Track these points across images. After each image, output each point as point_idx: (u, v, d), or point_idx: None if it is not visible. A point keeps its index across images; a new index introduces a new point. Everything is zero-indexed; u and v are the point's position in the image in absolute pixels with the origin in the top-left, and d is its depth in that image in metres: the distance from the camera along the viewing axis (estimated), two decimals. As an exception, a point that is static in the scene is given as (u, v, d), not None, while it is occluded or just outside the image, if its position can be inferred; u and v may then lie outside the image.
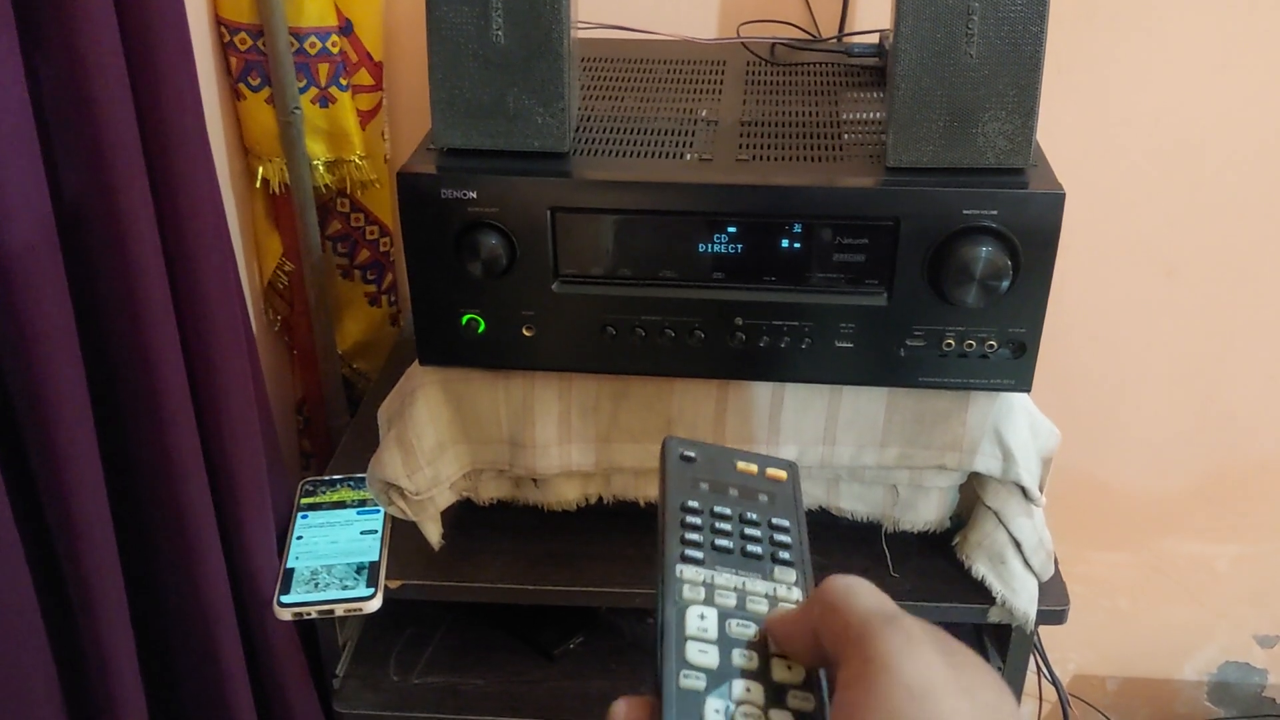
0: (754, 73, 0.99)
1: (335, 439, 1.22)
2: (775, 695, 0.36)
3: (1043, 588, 0.89)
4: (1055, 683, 1.25)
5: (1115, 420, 1.35)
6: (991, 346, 0.78)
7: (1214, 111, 1.16)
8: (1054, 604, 0.89)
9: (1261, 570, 1.44)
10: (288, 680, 0.94)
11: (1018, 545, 0.87)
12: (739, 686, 0.36)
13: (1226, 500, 1.40)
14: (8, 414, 0.71)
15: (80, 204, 0.73)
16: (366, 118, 1.14)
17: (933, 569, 0.92)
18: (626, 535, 0.95)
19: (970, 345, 0.79)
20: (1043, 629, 1.07)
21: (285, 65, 1.04)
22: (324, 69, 1.08)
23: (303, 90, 1.08)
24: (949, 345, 0.79)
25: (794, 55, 1.03)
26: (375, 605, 0.88)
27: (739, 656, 0.37)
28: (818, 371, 0.81)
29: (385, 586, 0.90)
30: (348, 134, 1.11)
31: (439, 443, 0.87)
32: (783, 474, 0.44)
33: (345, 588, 0.89)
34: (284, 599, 0.88)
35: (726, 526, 0.41)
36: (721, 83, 0.96)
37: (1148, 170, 1.20)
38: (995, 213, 0.74)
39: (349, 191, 1.16)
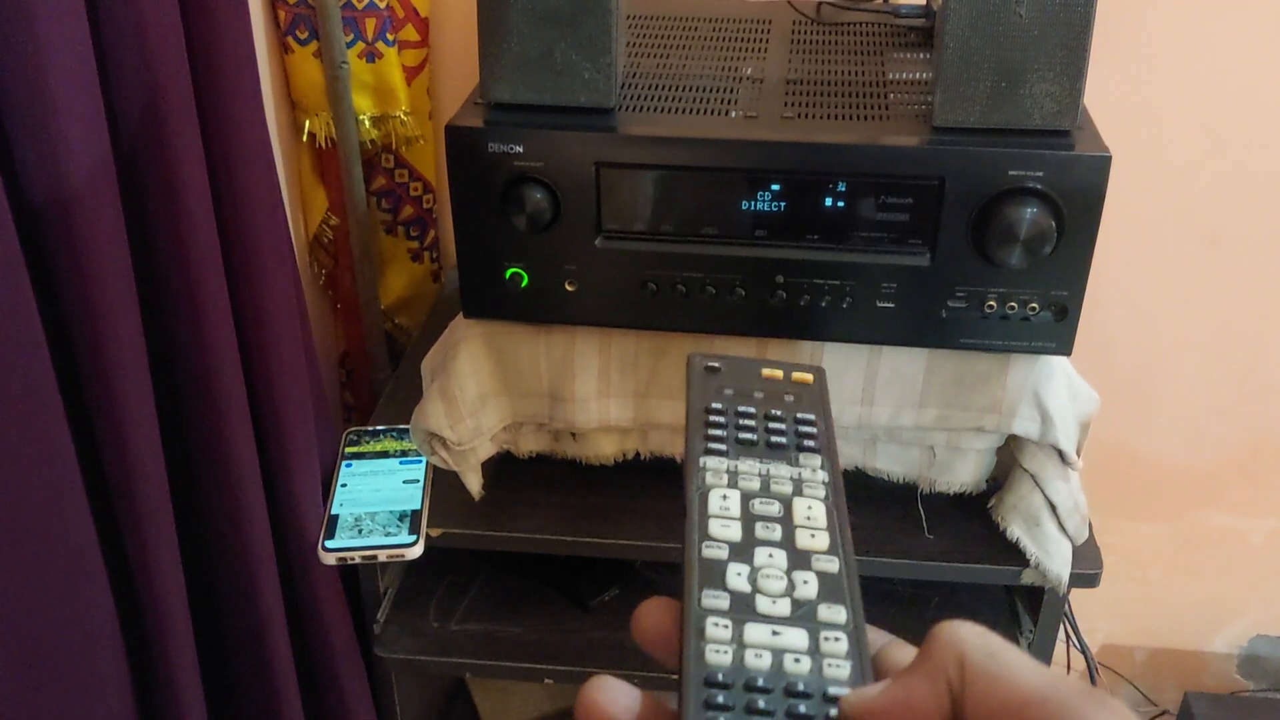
0: (799, 32, 0.98)
1: (377, 392, 1.24)
2: (798, 560, 0.36)
3: (1076, 552, 0.90)
4: (1084, 651, 1.25)
5: (1152, 391, 1.35)
6: (1033, 309, 0.79)
7: (1264, 80, 1.15)
8: (1087, 568, 0.90)
9: (1296, 544, 1.44)
10: (330, 624, 0.96)
11: (1053, 508, 0.87)
12: (761, 553, 0.36)
13: (1262, 474, 1.39)
14: (70, 359, 0.73)
15: (135, 151, 0.75)
16: (412, 74, 1.14)
17: (967, 531, 0.92)
18: (663, 490, 0.96)
19: (1012, 307, 0.79)
20: (1074, 599, 1.08)
21: (333, 19, 1.05)
22: (371, 24, 1.09)
23: (350, 45, 1.09)
24: (991, 307, 0.79)
25: (840, 15, 1.03)
26: (417, 552, 0.90)
27: (762, 530, 0.37)
28: (858, 331, 0.82)
29: (427, 534, 0.92)
30: (393, 89, 1.12)
31: (481, 394, 0.89)
32: (809, 377, 0.44)
33: (388, 534, 0.91)
34: (328, 544, 0.90)
35: (750, 423, 0.41)
36: (767, 41, 0.96)
37: (1194, 138, 1.18)
38: (1041, 174, 0.74)
39: (394, 147, 1.17)
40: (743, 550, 0.36)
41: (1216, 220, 1.23)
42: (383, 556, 0.91)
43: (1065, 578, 0.88)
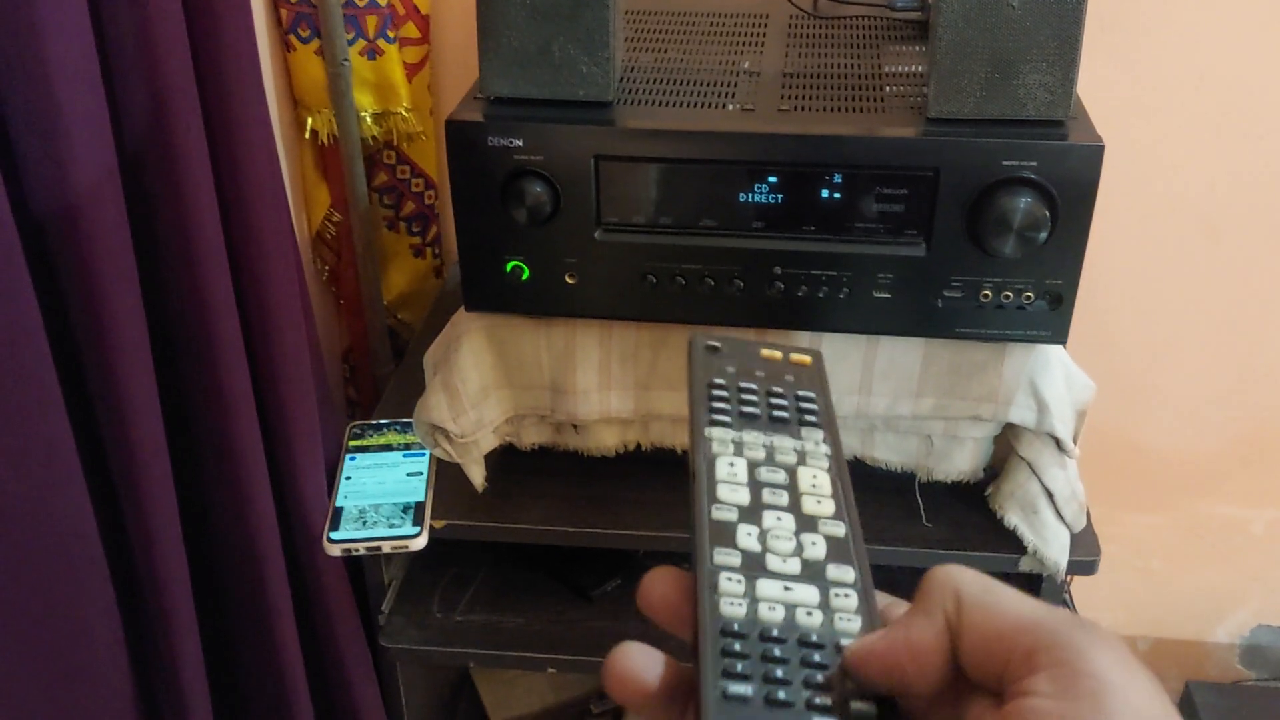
0: (796, 25, 0.99)
1: (380, 387, 1.25)
2: (805, 524, 0.37)
3: (1074, 539, 0.90)
4: (1085, 640, 1.26)
5: (1151, 381, 1.35)
6: (1028, 298, 0.79)
7: (1260, 69, 1.15)
8: (1085, 555, 0.90)
9: (1297, 533, 1.44)
10: (335, 615, 0.97)
11: (1050, 496, 0.88)
12: (770, 516, 0.37)
13: (1263, 463, 1.39)
14: (73, 353, 0.74)
15: (141, 150, 0.76)
16: (413, 71, 1.15)
17: (965, 519, 0.93)
18: (664, 481, 0.97)
19: (1007, 296, 0.79)
20: (1075, 590, 1.09)
21: (335, 17, 1.06)
22: (372, 21, 1.10)
23: (351, 42, 1.10)
24: (986, 296, 0.80)
25: (837, 9, 1.04)
26: (421, 543, 0.91)
27: (769, 495, 0.38)
28: (855, 321, 0.83)
29: (430, 526, 0.93)
30: (394, 86, 1.13)
31: (483, 387, 0.90)
32: (807, 358, 0.45)
33: (392, 526, 0.92)
34: (334, 535, 0.91)
35: (753, 398, 0.42)
36: (764, 35, 0.96)
37: (1191, 128, 1.19)
38: (1034, 164, 0.75)
39: (395, 144, 1.18)
40: (751, 513, 0.37)
41: (1215, 210, 1.24)
42: (387, 548, 0.92)
43: (1063, 565, 0.89)
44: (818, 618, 0.34)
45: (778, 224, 0.80)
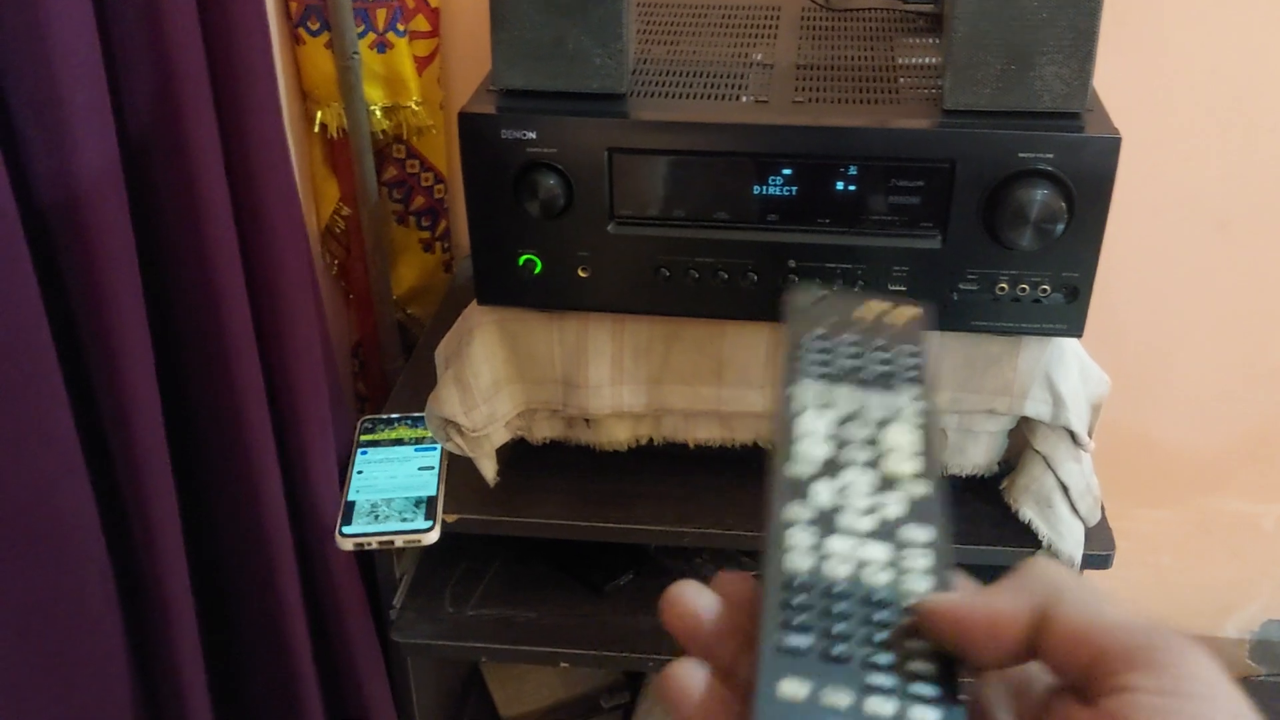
0: (809, 18, 0.99)
1: (390, 382, 1.25)
2: (887, 483, 0.35)
3: (1088, 533, 0.90)
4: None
5: (1162, 376, 1.35)
6: (1044, 290, 0.79)
7: (1273, 64, 1.15)
8: (1099, 549, 0.90)
9: (1308, 529, 1.44)
10: (346, 609, 0.97)
11: (1065, 490, 0.88)
12: (848, 474, 0.35)
13: (1273, 459, 1.39)
14: (75, 344, 0.74)
15: (149, 141, 0.75)
16: (423, 64, 1.15)
17: (979, 513, 0.93)
18: (676, 476, 0.97)
19: (1023, 289, 0.79)
20: (1086, 581, 1.08)
21: (344, 11, 1.06)
22: (382, 14, 1.09)
23: (361, 36, 1.09)
24: (1002, 289, 0.79)
25: (849, 1, 1.03)
26: (433, 537, 0.91)
27: (850, 451, 0.36)
28: (869, 314, 0.82)
29: (442, 520, 0.93)
30: (404, 80, 1.13)
31: (495, 381, 0.89)
32: (917, 311, 0.42)
33: (404, 520, 0.92)
34: (345, 530, 0.91)
35: (849, 350, 0.40)
36: (776, 27, 0.96)
37: (1205, 122, 1.18)
38: (1051, 156, 0.74)
39: (405, 138, 1.18)
40: (830, 469, 0.35)
41: (1227, 204, 1.23)
42: (399, 542, 0.91)
43: (1078, 559, 0.89)
44: (887, 575, 0.33)
45: (792, 217, 0.80)
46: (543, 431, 0.96)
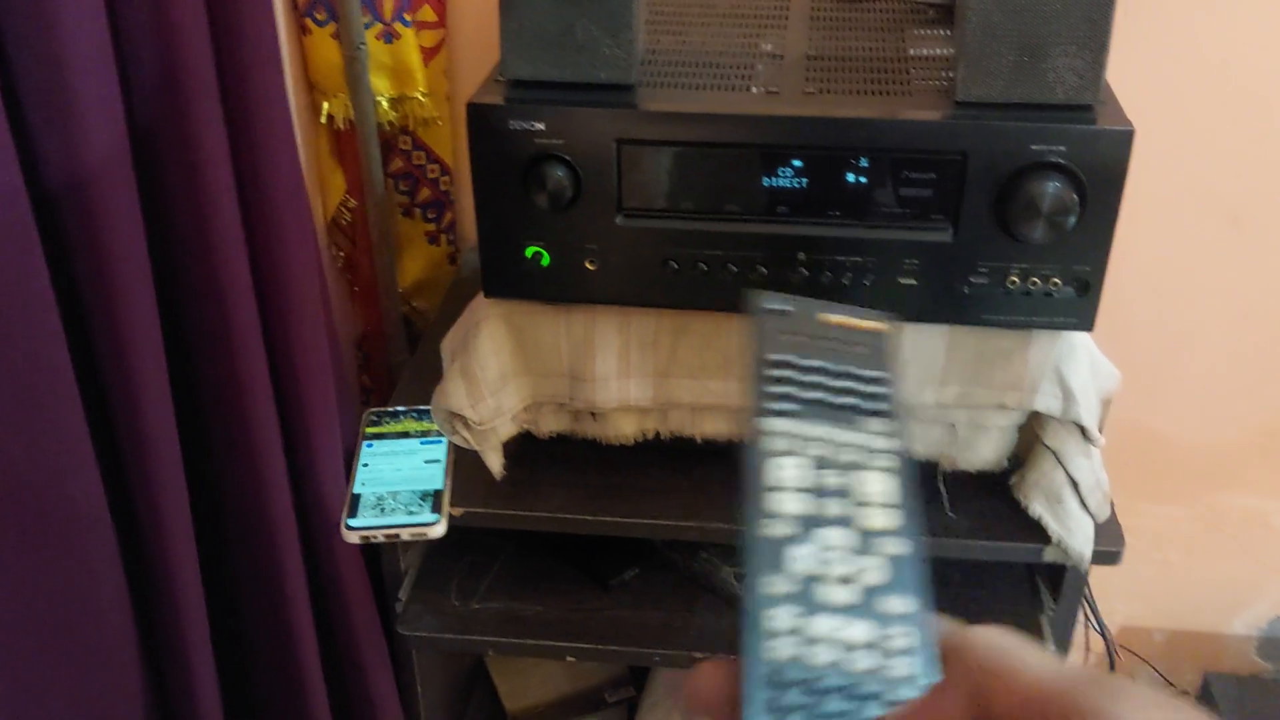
0: (819, 8, 0.98)
1: (395, 375, 1.25)
2: (866, 543, 0.34)
3: (1098, 529, 0.89)
4: (1103, 633, 1.25)
5: (1173, 371, 1.34)
6: (1055, 284, 0.78)
7: (1287, 55, 1.14)
8: (1108, 545, 0.89)
9: (1318, 525, 1.43)
10: (352, 602, 0.97)
11: (1075, 485, 0.87)
12: (827, 533, 0.34)
13: (1285, 454, 1.38)
14: (84, 337, 0.73)
15: (157, 129, 0.75)
16: (429, 55, 1.14)
17: (989, 509, 0.92)
18: (683, 470, 0.96)
19: (1034, 283, 0.78)
20: (1093, 580, 1.07)
21: (351, 0, 1.05)
22: (388, 4, 1.09)
23: (367, 26, 1.09)
24: (1013, 283, 0.79)
25: (859, -7, 1.03)
26: (440, 531, 0.91)
27: (827, 506, 0.34)
28: (880, 308, 0.81)
29: (449, 514, 0.92)
30: (411, 70, 1.12)
31: (501, 374, 0.89)
32: (884, 325, 0.40)
33: (411, 513, 0.91)
34: (351, 522, 0.91)
35: (816, 379, 0.38)
36: (786, 17, 0.95)
37: (1217, 115, 1.17)
38: (1063, 148, 0.74)
39: (411, 129, 1.17)
40: (807, 528, 0.34)
41: (1238, 198, 1.22)
42: (405, 535, 0.91)
43: (1087, 555, 0.88)
44: (870, 660, 0.32)
45: (802, 209, 0.79)
46: (549, 425, 0.96)
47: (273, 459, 0.88)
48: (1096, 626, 1.24)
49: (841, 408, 0.37)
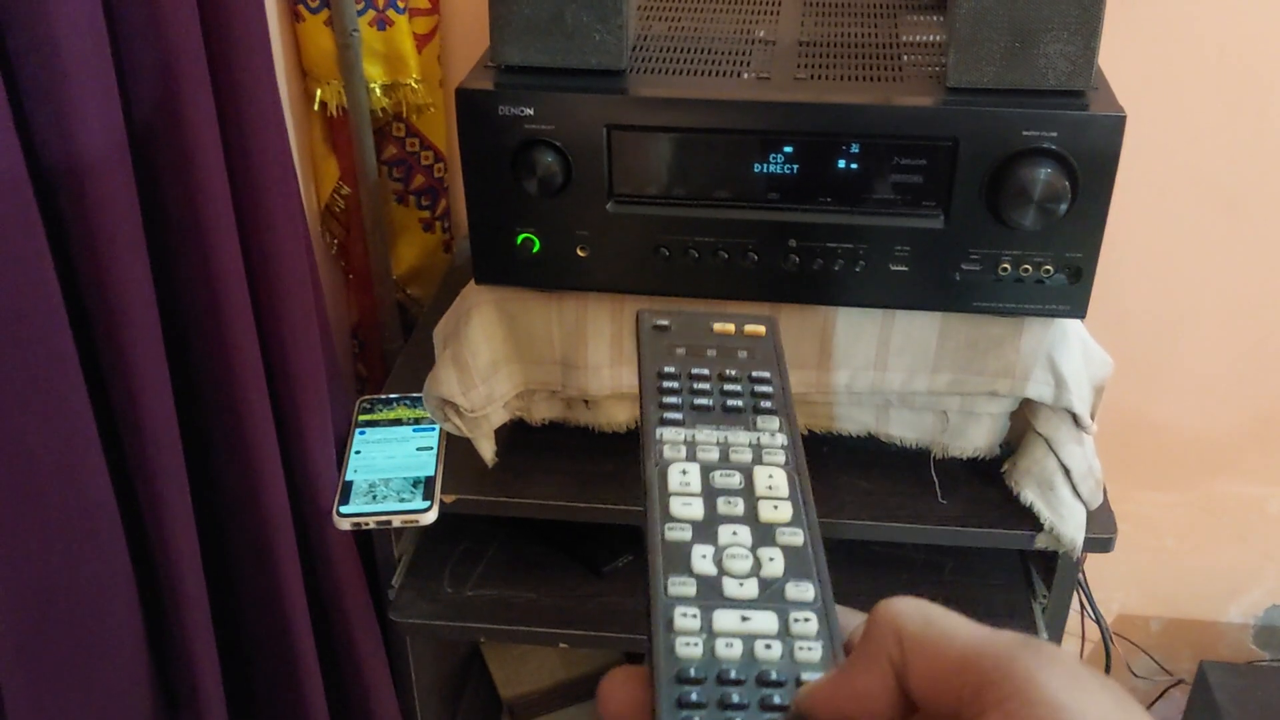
0: (812, -5, 0.98)
1: (389, 363, 1.25)
2: (763, 536, 0.35)
3: (1090, 516, 0.89)
4: (1099, 621, 1.25)
5: (1168, 358, 1.34)
6: (1047, 271, 0.78)
7: (1283, 42, 1.13)
8: (1101, 532, 0.89)
9: (1313, 513, 1.43)
10: (345, 589, 0.97)
11: (1067, 472, 0.87)
12: (725, 531, 0.35)
13: (1279, 441, 1.38)
14: (83, 325, 0.73)
15: (149, 119, 0.75)
16: (423, 42, 1.14)
17: (981, 496, 0.92)
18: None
19: (1026, 269, 0.78)
20: (1088, 569, 1.08)
21: (343, -13, 1.05)
22: (381, -9, 1.08)
23: (361, 13, 1.08)
24: (1005, 269, 0.78)
25: (853, -22, 1.02)
26: (432, 517, 0.91)
27: (724, 505, 0.36)
28: (872, 295, 0.81)
29: (441, 500, 0.92)
30: (404, 57, 1.12)
31: (493, 361, 0.89)
32: (762, 329, 0.43)
33: (402, 500, 0.91)
34: (343, 509, 0.91)
35: (704, 386, 0.40)
36: (779, 3, 0.95)
37: (1211, 102, 1.17)
38: (1055, 134, 0.73)
39: (404, 116, 1.17)
40: (706, 529, 0.35)
41: (1233, 185, 1.22)
42: (397, 522, 0.91)
43: (1079, 542, 0.88)
44: (777, 649, 0.32)
45: (793, 195, 0.79)
46: (541, 412, 0.96)
47: (265, 446, 0.87)
48: (1092, 614, 1.24)
49: (730, 410, 0.39)
